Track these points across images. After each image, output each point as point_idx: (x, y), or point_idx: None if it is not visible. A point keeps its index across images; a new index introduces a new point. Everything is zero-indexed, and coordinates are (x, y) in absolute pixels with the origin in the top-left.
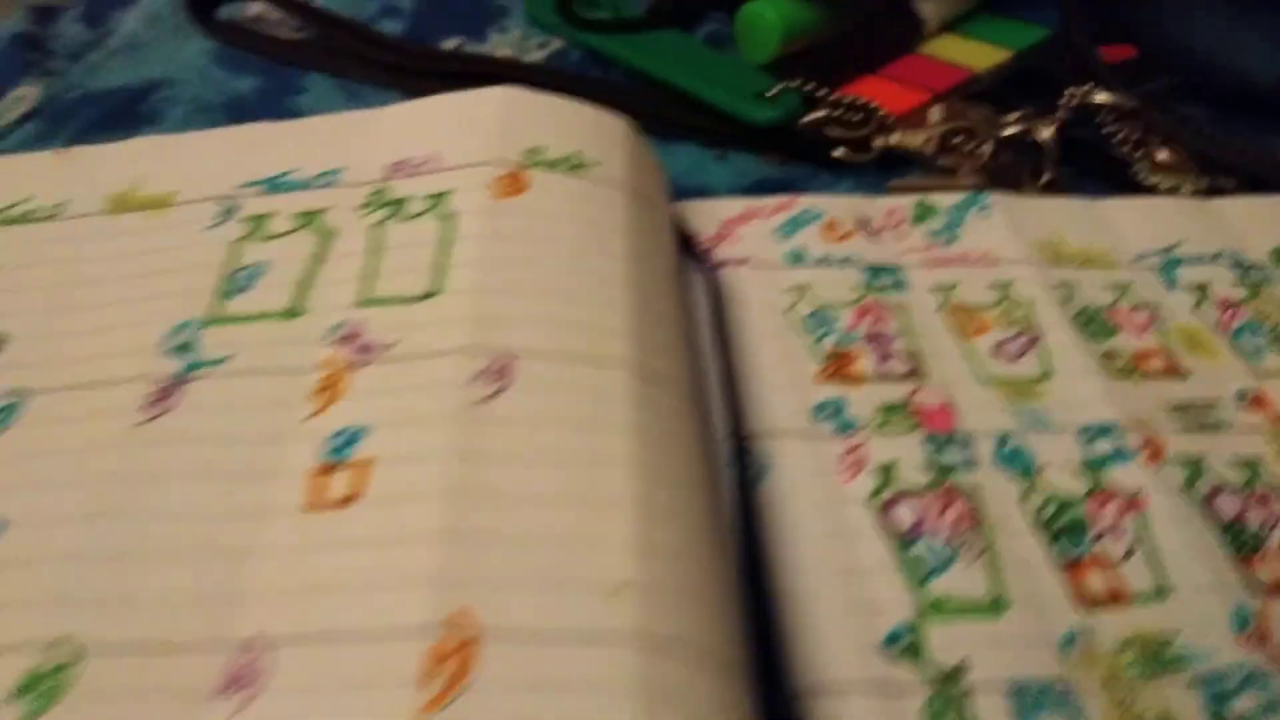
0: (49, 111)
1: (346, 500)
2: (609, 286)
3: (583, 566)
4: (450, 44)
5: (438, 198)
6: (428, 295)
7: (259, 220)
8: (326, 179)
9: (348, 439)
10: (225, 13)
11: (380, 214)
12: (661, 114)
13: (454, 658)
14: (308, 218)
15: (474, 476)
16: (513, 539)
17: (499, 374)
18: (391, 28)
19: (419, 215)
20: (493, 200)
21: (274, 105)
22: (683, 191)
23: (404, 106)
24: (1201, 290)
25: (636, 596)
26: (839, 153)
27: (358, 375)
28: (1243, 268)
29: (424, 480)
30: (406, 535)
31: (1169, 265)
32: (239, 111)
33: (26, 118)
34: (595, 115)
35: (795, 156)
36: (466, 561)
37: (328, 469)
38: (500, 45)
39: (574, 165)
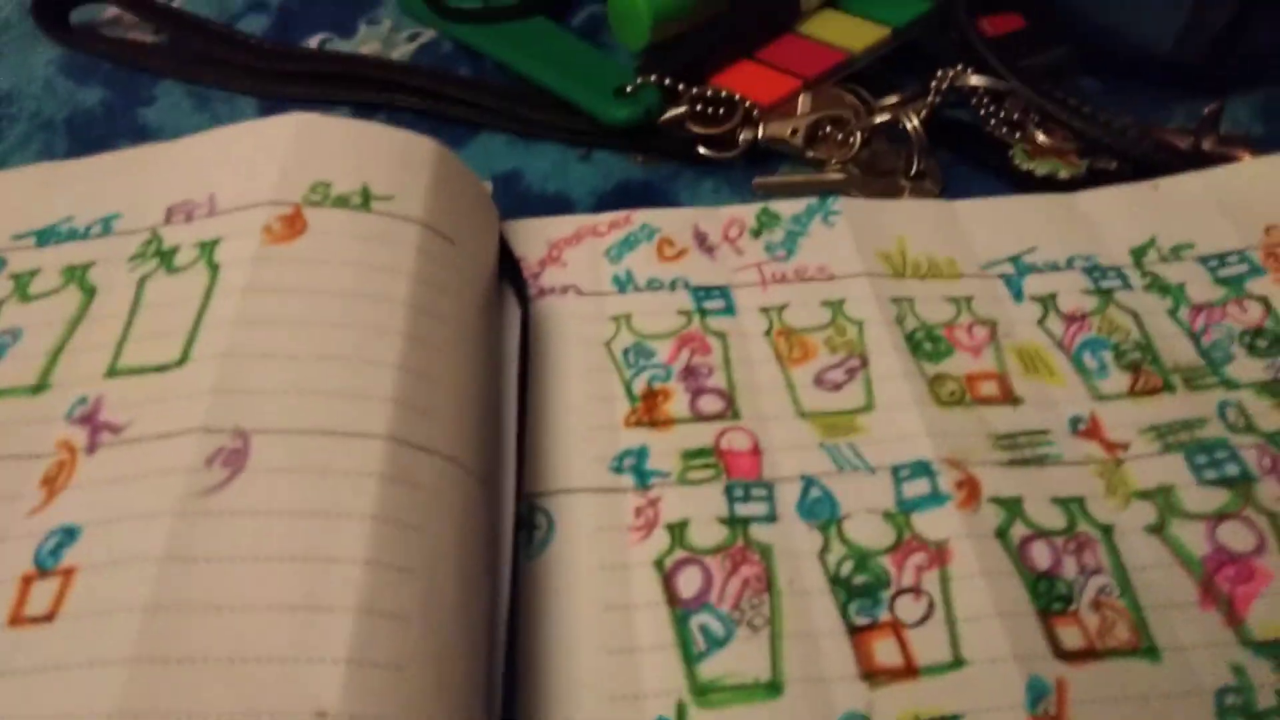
0: None
1: (47, 616)
2: (379, 344)
3: (284, 691)
4: (316, 39)
5: (208, 246)
6: (175, 364)
7: (24, 278)
8: (102, 226)
9: (59, 541)
10: (82, 15)
11: (147, 267)
12: (525, 113)
13: None
14: (74, 273)
15: (180, 587)
16: (214, 662)
17: (231, 458)
18: (257, 23)
19: (186, 267)
20: (264, 247)
21: (120, 119)
22: (541, 196)
23: (190, 140)
24: (1048, 301)
25: None
26: (703, 151)
27: (88, 462)
28: (1097, 273)
29: (123, 593)
30: (93, 662)
31: (1018, 273)
32: (83, 127)
33: None
34: (396, 141)
35: (660, 154)
36: (151, 697)
37: (35, 576)
38: (369, 38)
39: (362, 201)
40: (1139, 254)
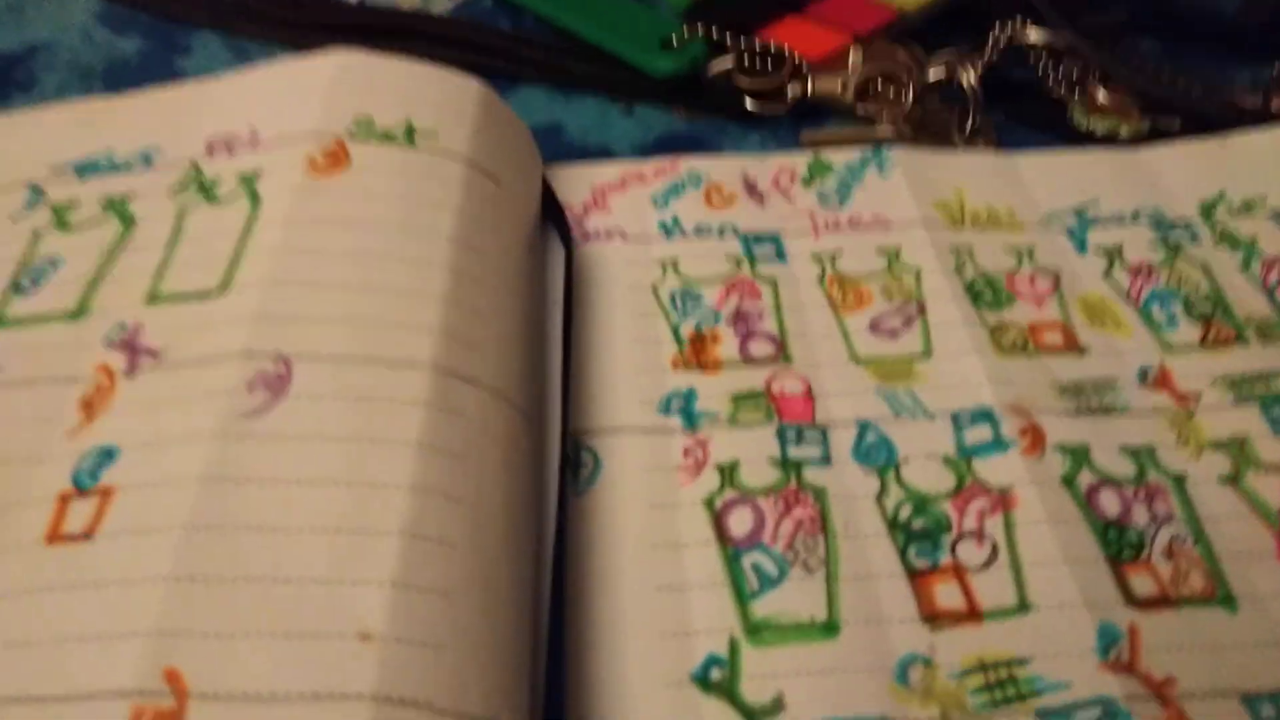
0: None
1: (85, 534)
2: (423, 276)
3: (327, 611)
4: None
5: (250, 178)
6: (217, 290)
7: (63, 208)
8: (142, 159)
9: (97, 461)
10: None
11: (188, 198)
12: (566, 65)
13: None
14: (113, 203)
15: (220, 508)
16: (254, 582)
17: (273, 383)
18: None
19: (228, 198)
20: (308, 179)
21: (157, 68)
22: (582, 149)
23: (232, 75)
24: (1114, 254)
25: (378, 653)
26: (750, 104)
27: (127, 385)
28: (1164, 226)
29: (162, 513)
30: (131, 579)
31: (1081, 226)
32: (119, 76)
33: None
34: (441, 79)
35: (705, 109)
36: (189, 614)
37: (73, 495)
38: None
39: (406, 136)
40: (1208, 208)
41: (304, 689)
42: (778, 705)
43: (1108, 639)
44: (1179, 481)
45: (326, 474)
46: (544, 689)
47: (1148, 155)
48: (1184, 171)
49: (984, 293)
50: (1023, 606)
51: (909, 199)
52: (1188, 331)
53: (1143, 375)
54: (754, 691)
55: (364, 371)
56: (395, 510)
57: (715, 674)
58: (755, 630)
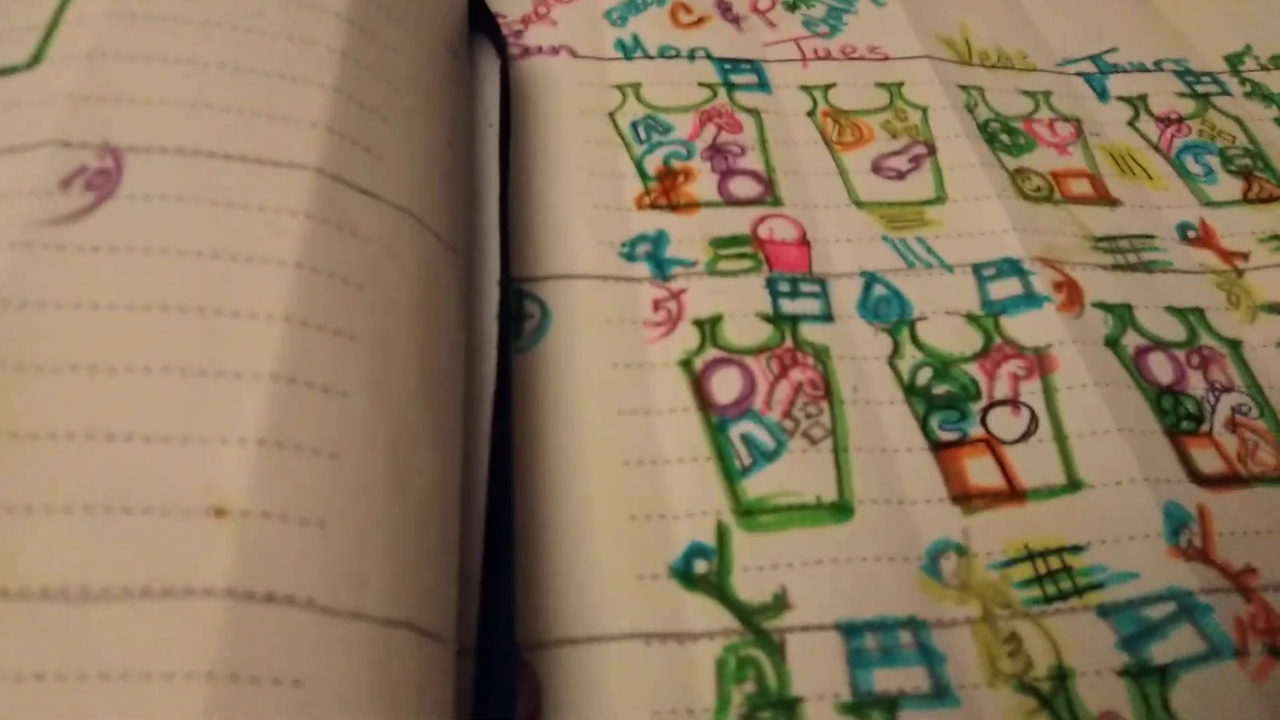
0: None
1: None
2: (306, 57)
3: (164, 479)
4: None
5: None
6: (24, 65)
7: None
8: None
9: None
10: None
11: None
12: None
13: None
14: None
15: (16, 340)
16: (60, 438)
17: (96, 180)
18: None
19: None
20: None
21: None
22: None
23: None
24: (1138, 103)
25: (236, 534)
26: None
27: None
28: (1189, 77)
29: None
30: None
31: (1100, 72)
32: None
33: None
34: None
35: None
36: None
37: None
38: None
39: None
40: (1235, 61)
41: (131, 583)
42: (780, 603)
43: (1176, 521)
44: (1234, 346)
45: (168, 296)
46: (481, 585)
47: (1165, 6)
48: (1206, 23)
49: (999, 136)
50: (1073, 484)
51: (909, 31)
52: (1228, 186)
53: (1183, 231)
54: (749, 587)
55: (222, 169)
56: (264, 346)
57: (700, 565)
58: (748, 513)
